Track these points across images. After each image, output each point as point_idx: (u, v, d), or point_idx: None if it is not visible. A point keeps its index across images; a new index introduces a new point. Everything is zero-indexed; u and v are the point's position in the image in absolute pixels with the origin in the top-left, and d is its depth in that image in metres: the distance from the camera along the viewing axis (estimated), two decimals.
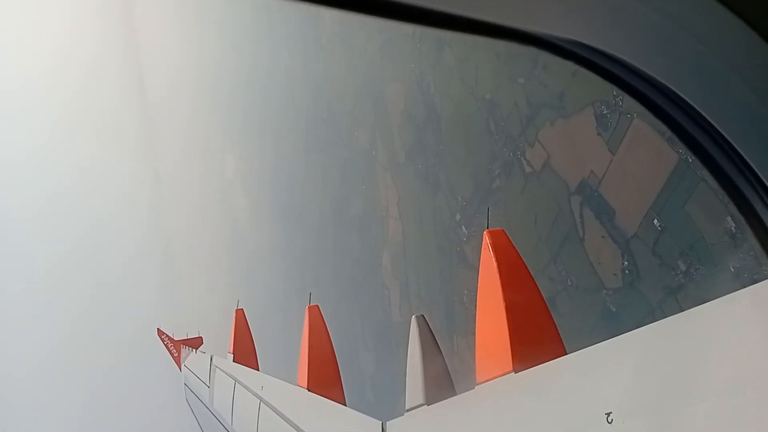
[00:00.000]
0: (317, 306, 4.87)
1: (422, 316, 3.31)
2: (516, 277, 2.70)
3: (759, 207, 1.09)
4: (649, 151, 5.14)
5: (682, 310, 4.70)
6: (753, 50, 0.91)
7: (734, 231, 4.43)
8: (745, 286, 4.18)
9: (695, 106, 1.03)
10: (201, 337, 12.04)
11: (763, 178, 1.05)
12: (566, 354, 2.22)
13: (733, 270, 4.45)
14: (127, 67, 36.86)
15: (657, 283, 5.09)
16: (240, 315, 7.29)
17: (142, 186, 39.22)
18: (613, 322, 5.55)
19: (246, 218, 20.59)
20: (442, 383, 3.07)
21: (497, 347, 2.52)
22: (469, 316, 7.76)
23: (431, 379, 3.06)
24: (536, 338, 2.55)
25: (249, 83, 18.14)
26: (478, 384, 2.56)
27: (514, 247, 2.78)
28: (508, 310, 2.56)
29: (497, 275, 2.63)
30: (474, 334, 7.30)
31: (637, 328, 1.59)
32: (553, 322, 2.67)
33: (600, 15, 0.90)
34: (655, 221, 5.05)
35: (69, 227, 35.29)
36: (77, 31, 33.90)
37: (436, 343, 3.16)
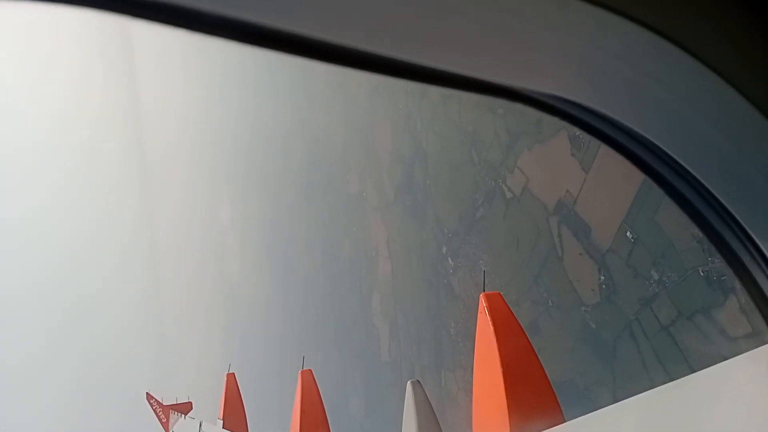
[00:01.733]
0: (310, 370, 4.98)
1: (417, 381, 3.43)
2: (513, 342, 2.81)
3: (756, 272, 1.11)
4: (620, 166, 5.44)
5: (658, 320, 4.90)
6: (734, 108, 0.92)
7: (701, 235, 4.66)
8: (713, 288, 4.41)
9: (678, 159, 1.05)
10: (191, 402, 11.96)
11: (754, 237, 1.07)
12: (564, 421, 2.29)
13: (702, 274, 4.65)
14: (126, 118, 37.96)
15: (632, 295, 5.26)
16: (231, 379, 7.34)
17: (139, 252, 39.47)
18: (593, 339, 5.67)
19: (240, 275, 20.75)
20: None
21: (494, 414, 2.59)
22: (456, 349, 7.83)
23: None
24: (534, 404, 2.60)
25: (246, 136, 18.80)
26: None
27: (511, 311, 2.94)
28: (506, 375, 2.63)
29: (494, 340, 2.76)
30: (461, 367, 7.43)
31: (627, 398, 1.71)
32: (551, 388, 2.76)
33: (578, 71, 0.91)
34: (628, 233, 5.29)
35: (61, 295, 35.27)
36: (82, 86, 35.15)
37: (432, 409, 3.28)
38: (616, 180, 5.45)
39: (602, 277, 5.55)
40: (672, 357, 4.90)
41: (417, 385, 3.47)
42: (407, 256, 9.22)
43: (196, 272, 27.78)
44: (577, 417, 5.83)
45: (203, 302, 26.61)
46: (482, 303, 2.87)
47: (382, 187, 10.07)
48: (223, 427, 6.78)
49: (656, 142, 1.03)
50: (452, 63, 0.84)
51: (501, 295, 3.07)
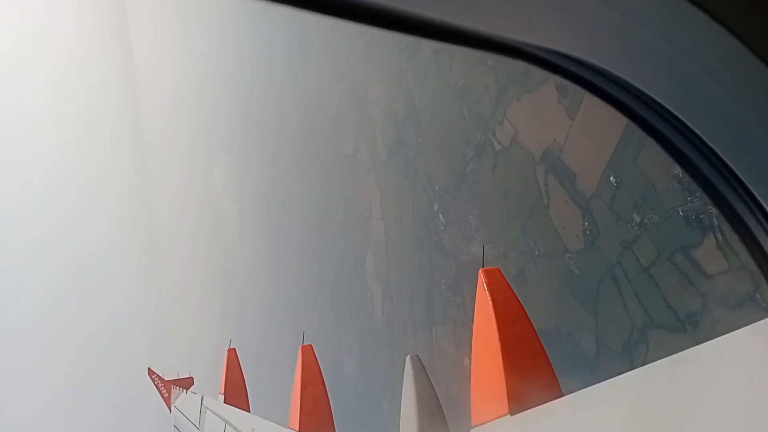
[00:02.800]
0: (310, 346, 5.09)
1: (417, 356, 3.50)
2: (512, 318, 2.84)
3: (753, 225, 1.10)
4: (604, 112, 5.52)
5: (639, 262, 5.06)
6: (736, 58, 0.91)
7: (681, 176, 4.78)
8: (691, 227, 4.54)
9: (680, 116, 1.04)
10: (192, 378, 12.18)
11: (754, 191, 1.06)
12: (562, 395, 2.33)
13: (681, 213, 4.77)
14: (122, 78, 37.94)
15: (615, 238, 5.39)
16: (232, 355, 7.47)
17: (135, 223, 39.69)
18: (577, 285, 5.82)
19: (236, 242, 20.93)
20: (436, 425, 3.22)
21: (493, 389, 2.63)
22: (446, 304, 8.01)
23: (425, 420, 3.22)
24: (532, 380, 2.62)
25: (240, 97, 18.83)
26: (473, 427, 2.65)
27: (510, 286, 3.00)
28: (504, 351, 2.67)
29: (493, 316, 2.81)
30: (452, 322, 7.62)
31: (627, 372, 1.73)
32: (549, 363, 2.80)
33: (582, 25, 0.90)
34: (611, 178, 5.40)
35: (58, 270, 35.58)
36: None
37: (431, 384, 3.36)
38: (601, 125, 5.54)
39: (586, 223, 5.68)
40: (652, 298, 5.05)
41: (416, 360, 3.55)
42: (399, 215, 9.36)
43: (192, 240, 28.01)
44: (561, 364, 6.01)
45: (200, 272, 26.88)
46: (481, 278, 2.93)
47: (375, 148, 10.17)
48: (224, 402, 6.91)
49: (658, 98, 1.03)
50: (455, 14, 0.83)
51: (500, 270, 3.11)
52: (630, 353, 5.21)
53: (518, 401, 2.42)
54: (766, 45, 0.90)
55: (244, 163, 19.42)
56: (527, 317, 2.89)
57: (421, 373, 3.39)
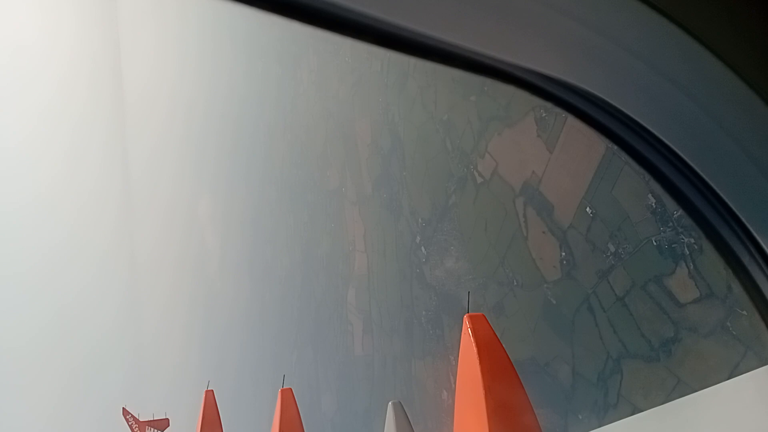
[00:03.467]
0: (290, 389, 5.11)
1: (399, 403, 3.56)
2: (496, 365, 2.96)
3: (755, 272, 1.09)
4: (581, 144, 5.72)
5: (614, 292, 5.20)
6: (740, 100, 0.91)
7: (654, 206, 4.93)
8: (664, 256, 4.70)
9: (677, 151, 1.05)
10: (167, 419, 11.97)
11: (753, 231, 1.05)
12: None
13: (655, 243, 4.90)
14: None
15: (591, 268, 5.49)
16: (209, 396, 7.42)
17: (117, 261, 39.36)
18: (554, 315, 5.88)
19: (219, 279, 20.82)
20: None
21: None
22: (426, 337, 8.01)
23: None
24: (515, 426, 2.69)
25: (228, 132, 19.06)
26: None
27: (494, 333, 3.10)
28: (488, 399, 2.73)
29: (477, 363, 2.91)
30: (431, 355, 7.65)
31: (606, 426, 1.68)
32: (533, 412, 2.93)
33: (567, 49, 0.90)
34: (588, 209, 5.54)
35: (36, 307, 35.05)
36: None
37: (411, 428, 3.43)
38: (579, 157, 5.72)
39: (563, 253, 5.79)
40: (626, 327, 5.12)
41: (398, 406, 3.61)
42: (383, 248, 9.43)
43: (174, 278, 27.79)
44: (538, 395, 6.01)
45: (181, 309, 26.57)
46: (466, 324, 3.00)
47: (360, 181, 10.31)
48: None
49: (656, 133, 1.03)
50: (434, 28, 0.84)
51: (485, 316, 3.19)
52: (605, 383, 5.25)
53: None
54: (755, 70, 0.90)
55: (230, 200, 19.53)
56: (511, 364, 2.97)
57: (403, 419, 3.41)
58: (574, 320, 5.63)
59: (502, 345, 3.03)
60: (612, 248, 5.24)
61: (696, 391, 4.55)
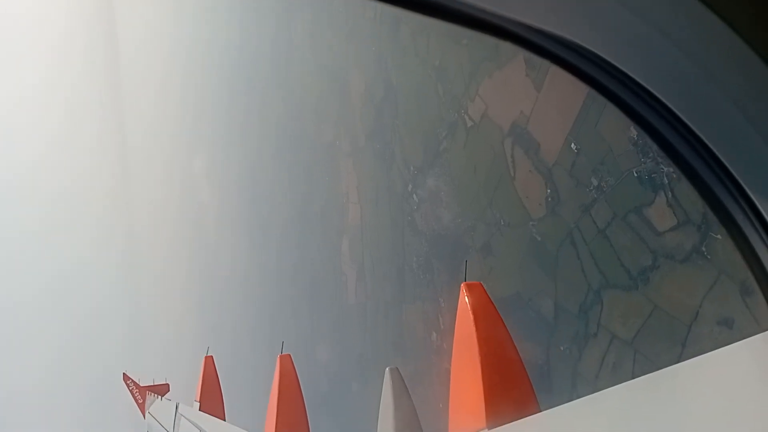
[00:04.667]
0: (289, 355, 5.22)
1: (396, 369, 3.62)
2: (492, 333, 2.94)
3: (749, 231, 1.09)
4: (568, 82, 5.81)
5: (596, 225, 5.37)
6: (738, 57, 0.90)
7: (636, 138, 5.06)
8: (644, 187, 4.85)
9: (675, 111, 1.05)
10: (168, 384, 12.24)
11: (747, 189, 1.05)
12: (540, 411, 2.41)
13: (636, 175, 5.05)
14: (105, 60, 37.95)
15: (574, 203, 5.65)
16: (209, 362, 7.59)
17: (115, 224, 39.58)
18: (538, 251, 6.07)
19: (215, 242, 21.06)
20: None
21: (471, 402, 2.69)
22: (417, 282, 8.22)
23: (402, 430, 3.28)
24: (510, 395, 2.71)
25: (225, 88, 19.10)
26: None
27: (491, 301, 3.15)
28: (484, 365, 2.74)
29: (474, 329, 2.89)
30: (421, 299, 7.85)
31: (607, 389, 1.73)
32: (528, 378, 2.88)
33: (570, 5, 0.91)
34: (573, 145, 5.67)
35: (35, 272, 35.33)
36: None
37: (409, 395, 3.50)
38: (565, 95, 5.82)
39: (549, 191, 5.94)
40: (607, 258, 5.30)
41: (395, 372, 3.64)
42: (375, 198, 9.60)
43: (172, 240, 28.07)
44: (521, 329, 6.23)
45: (179, 274, 26.90)
46: (463, 293, 3.04)
47: (354, 133, 10.42)
48: (199, 410, 6.97)
49: (651, 89, 1.04)
50: None
51: (482, 285, 3.21)
52: (586, 314, 5.45)
53: (496, 416, 2.47)
54: (750, 24, 0.89)
55: (226, 157, 19.63)
56: (507, 332, 2.98)
57: (400, 385, 3.47)
58: (557, 255, 5.81)
59: (499, 313, 3.11)
60: (595, 182, 5.39)
61: (671, 315, 4.77)
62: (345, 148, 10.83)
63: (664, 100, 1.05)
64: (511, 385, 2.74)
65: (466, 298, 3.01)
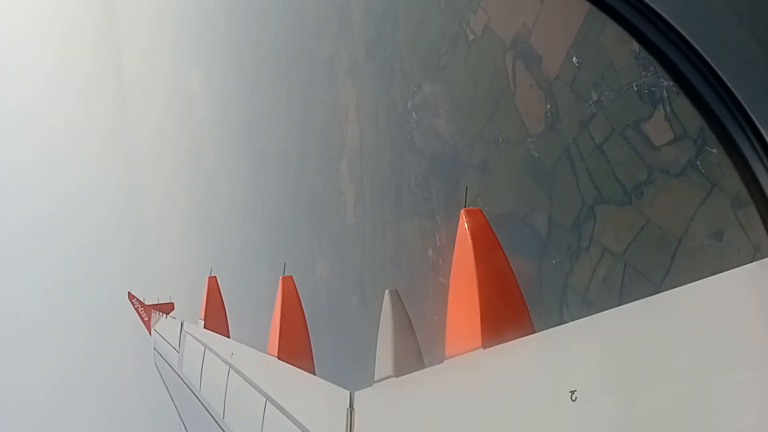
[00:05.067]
0: (291, 276, 5.23)
1: (395, 291, 3.60)
2: (490, 257, 2.90)
3: (746, 149, 1.09)
4: None
5: (593, 140, 5.34)
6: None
7: (638, 51, 4.98)
8: (643, 101, 4.77)
9: (674, 24, 1.04)
10: (172, 303, 12.43)
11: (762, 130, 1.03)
12: (535, 332, 2.42)
13: (635, 89, 5.00)
14: None
15: (573, 118, 5.62)
16: (212, 282, 7.65)
17: (114, 149, 39.44)
18: (535, 168, 6.10)
19: (216, 162, 21.06)
20: (412, 357, 3.29)
21: (468, 323, 2.71)
22: (415, 200, 8.31)
23: (401, 352, 3.27)
24: (506, 317, 2.72)
25: (218, 6, 18.60)
26: (446, 358, 2.75)
27: (490, 227, 3.10)
28: (481, 287, 2.75)
29: (472, 254, 2.84)
30: (419, 216, 7.91)
31: (605, 310, 1.74)
32: (524, 302, 2.88)
33: None
34: (574, 59, 5.58)
35: (39, 195, 35.48)
36: None
37: (408, 317, 3.49)
38: (568, 6, 5.68)
39: (548, 106, 5.90)
40: (603, 173, 5.34)
41: (395, 294, 3.62)
42: (375, 116, 9.53)
43: (172, 162, 28.09)
44: (514, 245, 6.33)
45: (180, 194, 27.06)
46: (462, 219, 3.03)
47: (354, 48, 10.22)
48: (204, 327, 7.12)
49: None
50: None
51: (481, 211, 3.13)
52: (579, 228, 5.55)
53: (491, 336, 2.54)
54: None
55: (226, 75, 19.33)
56: (506, 258, 3.03)
57: (399, 307, 3.53)
58: (554, 171, 5.85)
59: (498, 240, 3.13)
60: (594, 96, 5.35)
61: (663, 229, 4.85)
62: (344, 64, 10.65)
63: (662, 13, 1.04)
64: (508, 308, 2.81)
65: (465, 224, 3.01)
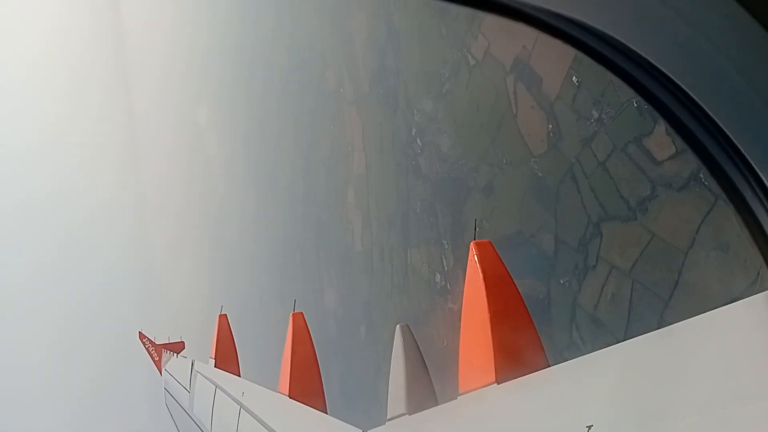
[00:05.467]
0: (301, 313, 5.29)
1: (407, 326, 3.66)
2: (501, 290, 2.94)
3: (758, 211, 1.08)
4: None
5: (596, 158, 5.42)
6: (752, 39, 0.89)
7: None
8: (644, 117, 4.86)
9: (692, 95, 1.04)
10: (183, 342, 12.50)
11: (762, 176, 1.04)
12: (549, 366, 2.42)
13: (635, 105, 5.05)
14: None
15: (575, 137, 5.67)
16: (223, 320, 7.73)
17: (126, 188, 39.96)
18: (540, 188, 6.13)
19: (225, 199, 21.27)
20: (425, 394, 3.29)
21: (481, 358, 2.72)
22: (421, 225, 8.34)
23: (414, 388, 3.27)
24: (520, 350, 2.71)
25: (227, 44, 19.03)
26: (460, 394, 2.75)
27: (501, 259, 3.17)
28: (493, 321, 2.77)
29: (483, 287, 2.88)
30: (425, 242, 7.96)
31: (615, 344, 1.79)
32: (537, 335, 2.92)
33: None
34: (574, 78, 5.66)
35: (49, 233, 35.86)
36: None
37: (420, 352, 3.54)
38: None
39: (550, 126, 5.96)
40: (606, 190, 5.36)
41: (406, 329, 3.57)
42: (380, 144, 9.64)
43: (183, 200, 28.40)
44: (522, 266, 6.32)
45: (190, 232, 27.26)
46: (472, 251, 3.05)
47: (358, 80, 10.40)
48: (215, 366, 7.14)
49: (668, 73, 1.03)
50: None
51: (491, 243, 3.16)
52: (585, 247, 5.54)
53: (505, 371, 2.54)
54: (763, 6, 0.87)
55: (234, 116, 19.66)
56: (517, 290, 3.07)
57: (411, 342, 3.53)
58: (558, 190, 5.87)
59: (509, 273, 3.15)
60: (595, 114, 5.40)
61: (668, 243, 4.84)
62: (348, 95, 10.82)
63: (665, 71, 1.04)
64: (520, 341, 2.81)
65: (475, 257, 3.03)
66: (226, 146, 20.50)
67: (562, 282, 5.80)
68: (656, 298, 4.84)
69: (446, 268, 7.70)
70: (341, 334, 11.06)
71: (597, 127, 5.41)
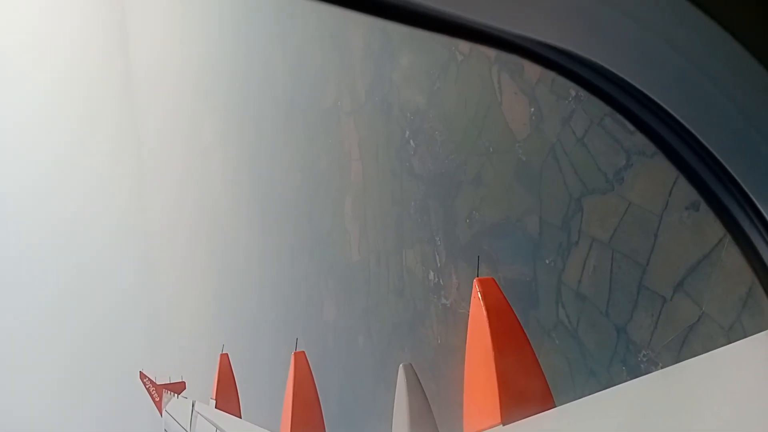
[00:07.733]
0: (303, 352, 5.50)
1: (410, 365, 3.82)
2: (506, 328, 2.98)
3: (755, 238, 1.10)
4: None
5: (575, 135, 5.76)
6: (738, 63, 0.92)
7: None
8: None
9: (678, 118, 1.06)
10: (184, 382, 12.72)
11: (753, 197, 1.06)
12: (555, 407, 2.47)
13: None
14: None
15: (555, 117, 5.94)
16: (224, 360, 7.93)
17: (133, 228, 40.56)
18: (524, 172, 6.36)
19: (229, 233, 21.59)
20: None
21: (486, 399, 2.75)
22: (415, 226, 8.56)
23: (417, 429, 3.34)
24: (525, 391, 2.77)
25: (231, 70, 19.64)
26: None
27: (504, 296, 3.36)
28: (498, 361, 2.79)
29: (487, 326, 2.91)
30: (419, 242, 8.25)
31: (623, 383, 1.81)
32: (543, 374, 2.95)
33: (578, 20, 0.92)
34: None
35: (54, 272, 36.36)
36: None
37: (424, 393, 3.71)
38: None
39: (532, 109, 6.24)
40: (586, 165, 5.59)
41: (409, 368, 3.61)
42: (375, 152, 9.95)
43: (187, 239, 28.76)
44: (508, 251, 6.54)
45: (195, 274, 27.47)
46: (475, 288, 3.10)
47: (355, 91, 10.79)
48: (215, 407, 7.21)
49: (654, 97, 1.06)
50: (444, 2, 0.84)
51: (494, 280, 3.23)
52: (568, 224, 5.74)
53: (511, 412, 2.57)
54: (749, 30, 0.90)
55: (232, 138, 20.17)
56: (521, 328, 3.12)
57: (414, 382, 3.65)
58: (541, 172, 6.11)
59: (512, 309, 3.30)
60: (573, 93, 5.68)
61: (644, 209, 5.04)
62: (346, 107, 11.21)
63: (661, 102, 1.08)
64: (526, 381, 2.87)
65: (479, 294, 3.09)
66: (232, 186, 20.96)
67: (547, 262, 5.98)
68: (635, 264, 5.01)
69: (439, 265, 7.89)
70: (338, 345, 11.21)
71: (575, 104, 5.68)
